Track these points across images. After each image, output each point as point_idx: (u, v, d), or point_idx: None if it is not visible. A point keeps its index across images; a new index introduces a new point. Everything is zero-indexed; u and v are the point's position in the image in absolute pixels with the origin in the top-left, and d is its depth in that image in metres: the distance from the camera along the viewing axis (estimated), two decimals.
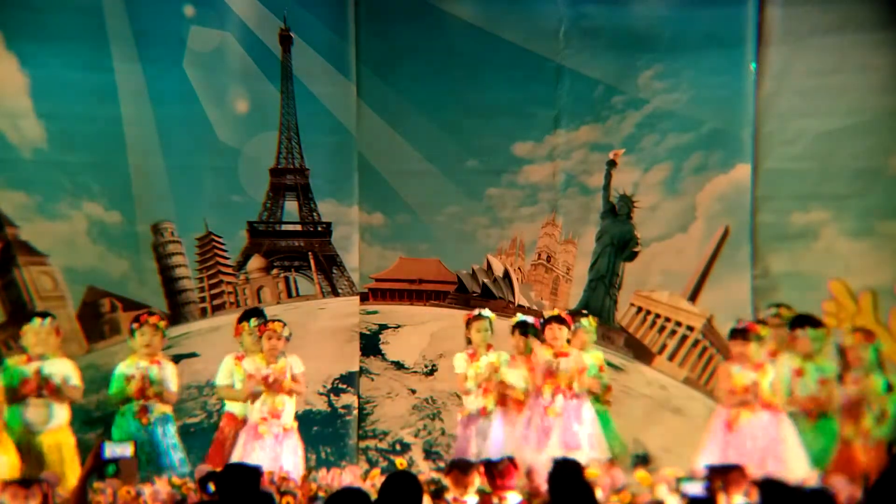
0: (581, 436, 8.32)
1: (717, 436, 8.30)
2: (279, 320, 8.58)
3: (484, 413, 8.64)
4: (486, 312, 8.95)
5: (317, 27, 10.96)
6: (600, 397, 8.88)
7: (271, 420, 8.25)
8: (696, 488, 6.08)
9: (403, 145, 11.04)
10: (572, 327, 8.78)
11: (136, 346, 8.55)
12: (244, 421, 8.42)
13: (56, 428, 8.23)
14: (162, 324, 8.71)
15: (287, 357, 8.43)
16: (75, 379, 8.38)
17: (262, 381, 8.28)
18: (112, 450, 5.97)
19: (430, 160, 11.09)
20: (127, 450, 6.00)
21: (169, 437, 8.51)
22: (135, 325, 8.60)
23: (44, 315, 8.62)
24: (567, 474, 5.76)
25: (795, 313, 8.90)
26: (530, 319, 8.95)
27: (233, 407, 8.71)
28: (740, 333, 8.40)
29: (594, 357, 8.96)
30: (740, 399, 8.23)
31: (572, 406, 8.42)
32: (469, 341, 8.86)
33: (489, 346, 8.82)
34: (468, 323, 8.89)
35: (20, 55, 10.21)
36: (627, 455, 9.23)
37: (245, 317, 8.83)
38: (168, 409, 8.58)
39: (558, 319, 8.62)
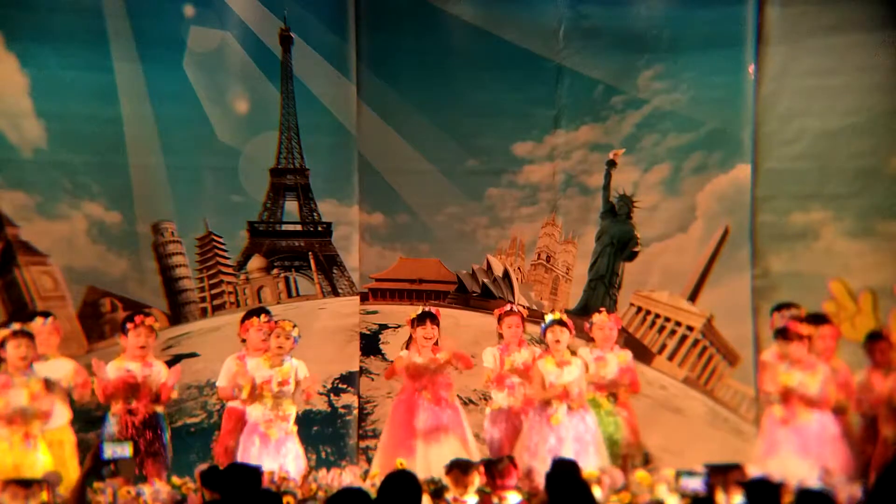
0: (587, 448, 8.18)
1: (771, 435, 8.23)
2: (289, 320, 8.37)
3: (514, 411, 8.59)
4: (517, 307, 8.89)
5: (317, 27, 10.96)
6: (616, 398, 8.73)
7: (277, 423, 8.06)
8: (695, 483, 6.08)
9: (403, 145, 11.04)
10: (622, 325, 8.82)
11: (129, 345, 8.37)
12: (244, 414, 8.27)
13: (58, 427, 8.16)
14: (157, 325, 8.58)
15: (293, 361, 8.18)
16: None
17: (260, 388, 8.06)
18: (112, 450, 5.98)
19: (430, 160, 11.09)
20: (126, 450, 6.02)
21: (159, 438, 8.28)
22: (129, 326, 8.40)
23: (45, 315, 8.61)
24: (565, 474, 5.76)
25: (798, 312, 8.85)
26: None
27: (235, 403, 8.54)
28: (780, 333, 8.36)
29: (619, 357, 8.82)
30: (781, 397, 8.17)
31: (575, 418, 8.29)
32: (500, 336, 8.77)
33: (521, 342, 8.74)
34: (500, 318, 8.79)
35: (20, 55, 10.19)
36: (639, 456, 8.93)
37: (250, 315, 8.77)
38: (160, 411, 8.35)
39: (560, 322, 8.45)
